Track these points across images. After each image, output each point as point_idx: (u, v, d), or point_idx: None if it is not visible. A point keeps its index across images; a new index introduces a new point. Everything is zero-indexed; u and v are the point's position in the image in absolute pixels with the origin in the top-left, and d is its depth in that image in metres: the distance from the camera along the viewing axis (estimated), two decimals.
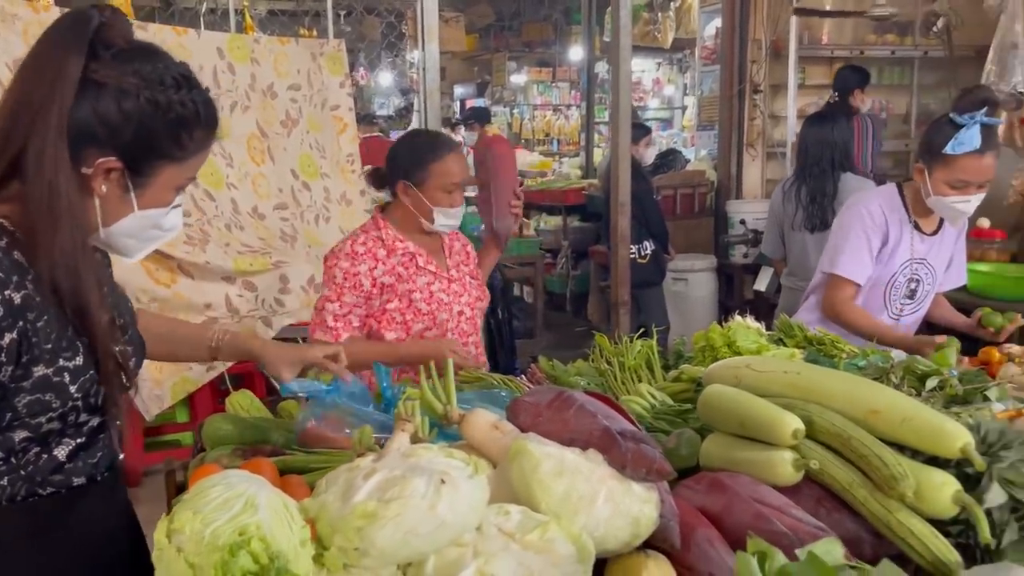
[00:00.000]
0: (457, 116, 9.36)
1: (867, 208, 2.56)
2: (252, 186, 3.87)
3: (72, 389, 1.12)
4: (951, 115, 2.37)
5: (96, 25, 1.10)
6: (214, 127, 1.22)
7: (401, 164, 2.32)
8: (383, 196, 4.97)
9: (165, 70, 1.14)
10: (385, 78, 11.78)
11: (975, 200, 2.41)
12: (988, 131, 2.32)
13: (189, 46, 3.66)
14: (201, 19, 4.42)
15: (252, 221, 3.75)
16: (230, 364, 3.30)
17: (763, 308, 4.85)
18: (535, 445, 1.03)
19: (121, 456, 1.31)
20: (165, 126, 1.14)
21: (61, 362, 1.11)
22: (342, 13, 6.52)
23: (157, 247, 1.27)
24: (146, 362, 1.41)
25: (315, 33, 4.41)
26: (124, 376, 1.19)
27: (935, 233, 2.59)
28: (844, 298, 2.54)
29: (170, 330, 1.63)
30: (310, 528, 0.90)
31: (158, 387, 3.28)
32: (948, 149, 2.33)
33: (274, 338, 3.42)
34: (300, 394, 1.49)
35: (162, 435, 3.88)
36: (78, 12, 1.12)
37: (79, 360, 1.13)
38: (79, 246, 1.10)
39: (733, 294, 5.79)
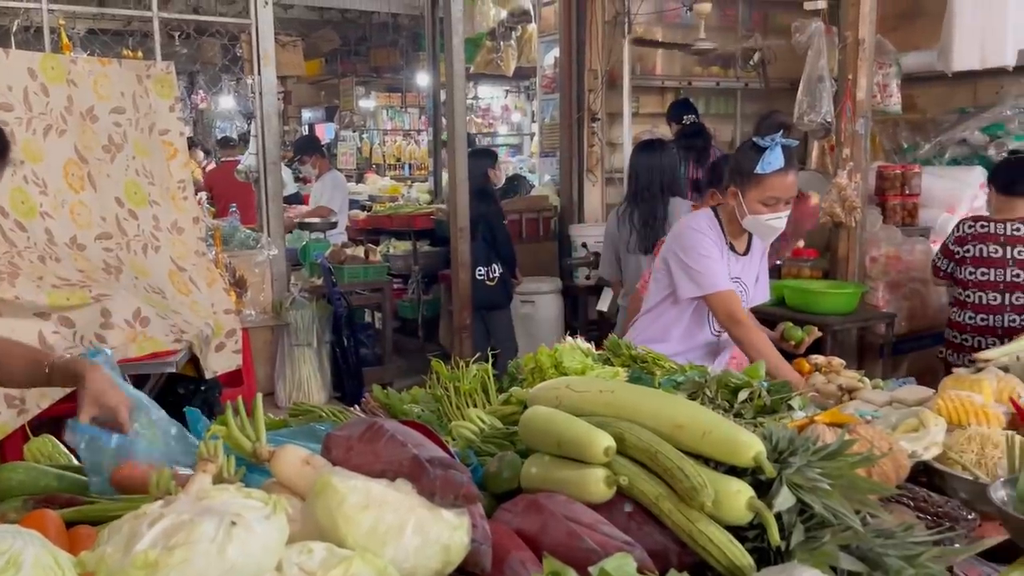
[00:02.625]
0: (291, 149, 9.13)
1: (699, 226, 2.71)
2: (70, 215, 3.62)
3: None
4: (754, 140, 2.59)
5: None
6: None
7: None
8: (218, 224, 4.81)
9: None
10: (227, 101, 11.41)
11: (784, 216, 2.60)
12: (788, 151, 2.54)
13: None
14: (12, 38, 4.12)
15: (70, 252, 3.50)
16: (43, 408, 3.06)
17: (606, 328, 5.02)
18: (339, 479, 1.01)
19: None
20: None
21: None
22: (176, 34, 6.26)
23: None
24: None
25: (141, 55, 4.20)
26: None
27: (746, 253, 2.77)
28: (735, 309, 2.61)
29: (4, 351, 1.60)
30: None
31: None
32: (758, 169, 2.52)
33: None
34: (79, 439, 1.38)
35: None
36: None
37: None
38: None
39: (578, 315, 5.96)
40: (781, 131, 2.67)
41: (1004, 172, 3.96)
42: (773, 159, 2.51)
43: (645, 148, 4.24)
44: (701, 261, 2.64)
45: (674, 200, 4.04)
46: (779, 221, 2.61)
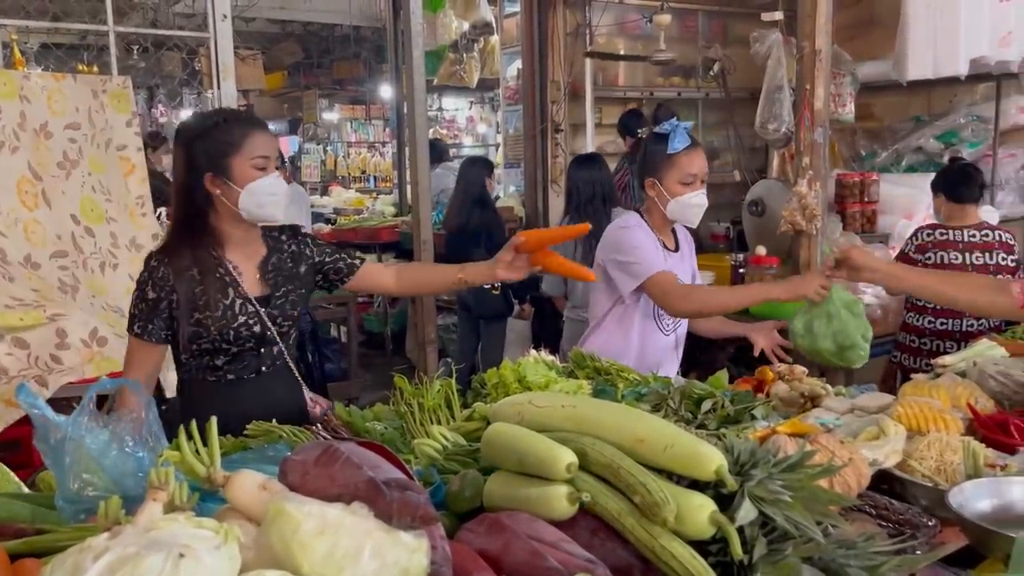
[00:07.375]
0: None
1: (627, 223, 2.73)
2: (24, 233, 3.54)
3: None
4: (656, 130, 2.69)
5: None
6: None
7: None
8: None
9: None
10: (188, 115, 11.31)
11: (703, 194, 2.66)
12: (688, 134, 2.64)
13: None
14: None
15: (24, 271, 3.42)
16: None
17: None
18: (294, 505, 0.99)
19: None
20: None
21: None
22: (134, 48, 6.16)
23: None
24: None
25: (96, 69, 4.13)
26: None
27: (676, 250, 2.81)
28: (670, 287, 2.60)
29: None
30: None
31: None
32: (670, 150, 2.59)
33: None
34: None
35: None
36: None
37: None
38: None
39: (545, 325, 5.94)
40: (674, 118, 2.76)
41: (951, 180, 4.03)
42: (680, 139, 2.60)
43: (583, 162, 4.29)
44: (634, 252, 2.65)
45: (616, 211, 4.09)
46: (701, 198, 2.66)
